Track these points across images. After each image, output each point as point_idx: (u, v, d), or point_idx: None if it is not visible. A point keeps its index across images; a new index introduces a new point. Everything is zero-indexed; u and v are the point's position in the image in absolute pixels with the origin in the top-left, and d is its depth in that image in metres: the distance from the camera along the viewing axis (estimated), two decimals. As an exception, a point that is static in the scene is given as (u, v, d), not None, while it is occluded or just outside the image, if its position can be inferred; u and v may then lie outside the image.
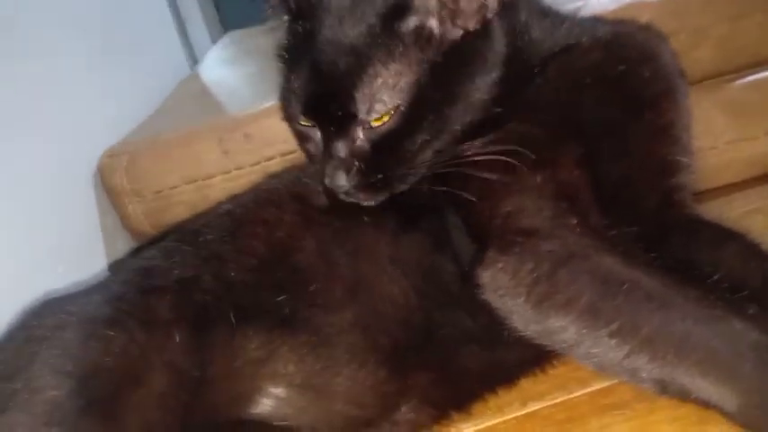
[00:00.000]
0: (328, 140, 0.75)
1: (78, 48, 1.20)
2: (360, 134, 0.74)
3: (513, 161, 0.71)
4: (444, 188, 0.74)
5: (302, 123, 0.78)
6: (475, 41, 0.75)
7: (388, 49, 0.72)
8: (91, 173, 1.13)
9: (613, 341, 0.63)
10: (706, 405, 0.61)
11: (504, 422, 0.74)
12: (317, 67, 0.74)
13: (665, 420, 0.66)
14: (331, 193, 0.76)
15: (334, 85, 0.73)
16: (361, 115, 0.72)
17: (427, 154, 0.75)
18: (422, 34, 0.73)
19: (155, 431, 0.65)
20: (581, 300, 0.65)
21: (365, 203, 0.76)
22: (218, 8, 2.15)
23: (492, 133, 0.74)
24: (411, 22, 0.73)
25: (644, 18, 0.90)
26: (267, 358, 0.71)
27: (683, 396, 0.62)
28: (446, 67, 0.74)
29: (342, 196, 0.75)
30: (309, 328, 0.72)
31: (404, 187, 0.76)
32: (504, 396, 0.76)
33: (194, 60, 1.82)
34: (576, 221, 0.71)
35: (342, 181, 0.73)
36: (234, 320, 0.70)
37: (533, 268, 0.68)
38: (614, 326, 0.63)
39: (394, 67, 0.72)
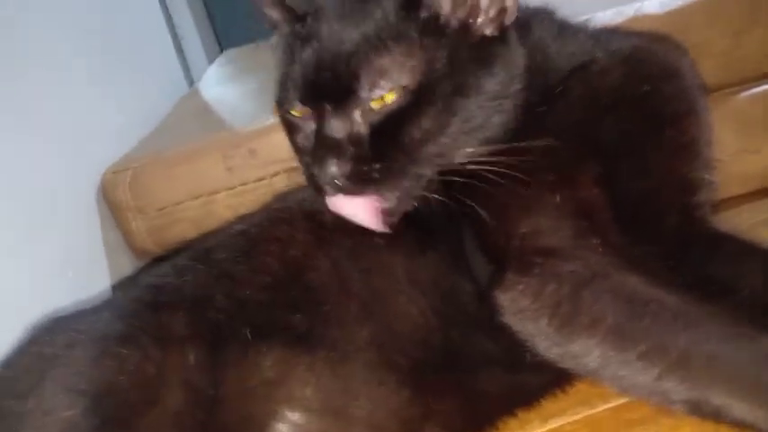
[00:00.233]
0: (323, 123, 0.70)
1: (77, 64, 1.20)
2: (358, 116, 0.69)
3: (531, 178, 0.70)
4: (459, 207, 0.72)
5: (294, 113, 0.75)
6: (493, 45, 0.74)
7: (401, 32, 0.70)
8: (94, 189, 1.11)
9: (642, 363, 0.62)
10: (740, 425, 0.59)
11: (525, 439, 0.72)
12: (321, 53, 0.71)
13: (690, 435, 0.65)
14: (317, 187, 0.71)
15: (337, 63, 0.70)
16: (362, 93, 0.69)
17: (431, 149, 0.70)
18: (437, 24, 0.72)
19: None
20: (606, 321, 0.64)
21: (358, 215, 0.71)
22: (214, 27, 2.15)
23: (507, 146, 0.72)
24: (424, 11, 0.71)
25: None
26: (282, 379, 0.68)
27: (717, 417, 0.60)
28: (461, 63, 0.71)
29: (328, 190, 0.69)
30: (326, 348, 0.70)
31: (402, 189, 0.70)
32: (523, 413, 0.74)
33: (191, 79, 1.82)
34: (597, 241, 0.69)
35: (332, 167, 0.67)
36: (248, 339, 0.68)
37: (555, 289, 0.66)
38: (642, 347, 0.62)
39: (406, 45, 0.69)
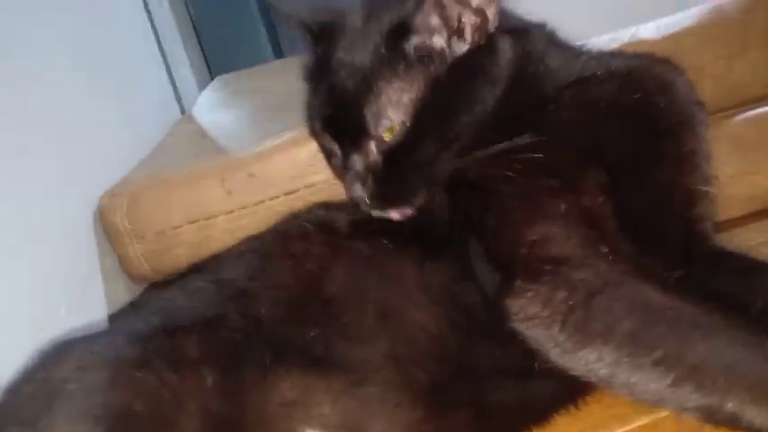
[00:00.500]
0: (346, 155, 0.79)
1: (71, 90, 1.19)
2: (373, 148, 0.77)
3: (535, 186, 0.71)
4: (465, 215, 0.74)
5: (324, 141, 0.83)
6: (479, 56, 0.78)
7: (393, 68, 0.76)
8: (90, 214, 1.10)
9: (657, 369, 0.62)
10: (755, 432, 0.59)
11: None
12: (332, 89, 0.78)
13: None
14: (356, 205, 0.79)
15: (347, 105, 0.77)
16: (372, 131, 0.76)
17: (438, 164, 0.77)
18: (425, 52, 0.76)
19: None
20: (621, 327, 0.64)
21: (390, 214, 0.78)
22: (204, 54, 2.16)
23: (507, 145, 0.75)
24: (414, 40, 0.76)
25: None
26: (301, 398, 0.68)
27: (732, 424, 0.60)
28: (451, 81, 0.76)
29: (363, 207, 0.78)
30: (343, 364, 0.69)
31: (422, 197, 0.78)
32: (538, 432, 0.73)
33: (181, 104, 1.82)
34: (606, 249, 0.70)
35: (359, 192, 0.77)
36: (265, 361, 0.68)
37: (567, 296, 0.66)
38: (658, 353, 0.62)
39: (398, 84, 0.75)
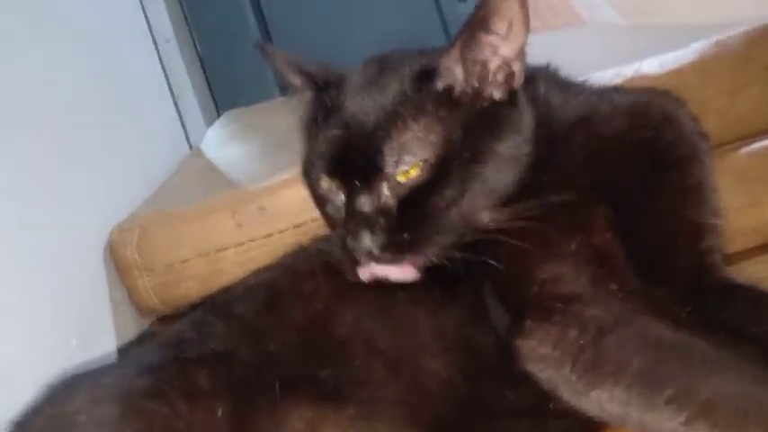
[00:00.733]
0: (352, 198, 0.73)
1: (81, 123, 1.21)
2: (385, 190, 0.73)
3: (545, 227, 0.71)
4: (476, 258, 0.73)
5: (324, 185, 0.78)
6: (503, 108, 0.77)
7: (418, 106, 0.74)
8: (100, 248, 1.11)
9: (670, 408, 0.61)
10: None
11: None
12: (345, 127, 0.75)
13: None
14: (352, 259, 0.73)
15: (362, 140, 0.73)
16: (388, 169, 0.72)
17: (455, 215, 0.73)
18: (450, 95, 0.75)
19: None
20: (632, 366, 0.64)
21: (393, 273, 0.73)
22: (211, 90, 2.18)
23: (522, 202, 0.74)
24: (439, 83, 0.75)
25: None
26: (310, 430, 0.67)
27: None
28: (475, 129, 0.74)
29: (364, 260, 0.72)
30: (353, 405, 0.69)
31: (432, 253, 0.73)
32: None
33: (188, 139, 1.84)
34: (615, 287, 0.70)
35: (366, 240, 0.70)
36: (275, 394, 0.67)
37: (577, 336, 0.66)
38: (670, 391, 0.61)
39: (424, 121, 0.73)
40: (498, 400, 0.72)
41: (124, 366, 0.71)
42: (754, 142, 1.13)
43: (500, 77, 0.77)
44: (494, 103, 0.77)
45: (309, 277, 0.78)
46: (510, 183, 0.75)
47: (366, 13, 2.08)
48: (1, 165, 0.94)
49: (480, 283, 0.75)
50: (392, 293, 0.74)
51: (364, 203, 0.73)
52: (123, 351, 1.01)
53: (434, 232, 0.73)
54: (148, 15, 1.82)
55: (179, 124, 1.83)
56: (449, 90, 0.75)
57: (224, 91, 2.21)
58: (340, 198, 0.76)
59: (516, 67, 0.77)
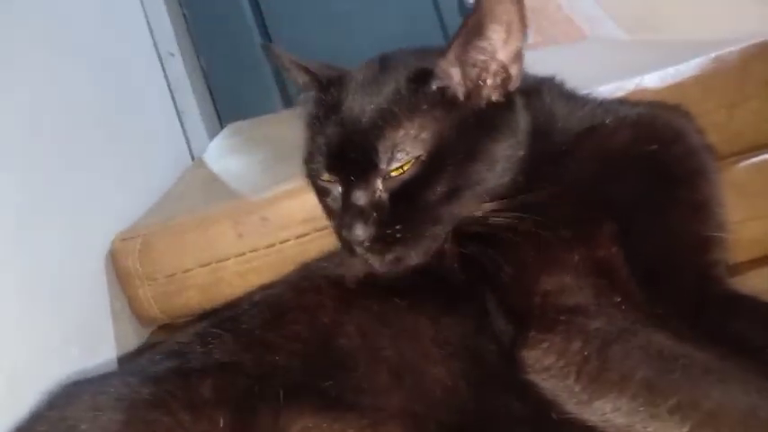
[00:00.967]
0: (348, 192, 0.76)
1: (89, 138, 1.22)
2: (379, 184, 0.75)
3: (549, 238, 0.71)
4: (479, 267, 0.73)
5: (324, 179, 0.80)
6: (498, 111, 0.78)
7: (413, 105, 0.75)
8: (102, 258, 1.11)
9: (674, 418, 0.62)
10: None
11: None
12: (343, 125, 0.77)
13: None
14: (348, 248, 0.76)
15: (358, 137, 0.76)
16: (382, 165, 0.74)
17: (446, 210, 0.75)
18: (445, 96, 0.76)
19: None
20: (636, 376, 0.64)
21: (378, 266, 0.75)
22: (214, 102, 2.20)
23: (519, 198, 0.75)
24: (434, 84, 0.76)
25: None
26: None
27: None
28: (469, 129, 0.76)
29: (358, 250, 0.75)
30: (357, 415, 0.69)
31: (422, 248, 0.75)
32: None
33: (191, 151, 1.85)
34: (619, 299, 0.70)
35: (359, 230, 0.73)
36: (279, 405, 0.67)
37: (581, 347, 0.67)
38: (674, 401, 0.62)
39: (418, 120, 0.75)
40: (502, 408, 0.72)
41: (127, 375, 0.70)
42: (754, 156, 1.14)
43: (497, 80, 0.78)
44: (490, 104, 0.78)
45: (314, 292, 0.79)
46: (502, 183, 0.77)
47: (365, 20, 2.10)
48: (5, 180, 0.95)
49: (483, 291, 0.75)
50: (395, 302, 0.75)
51: (359, 197, 0.75)
52: (124, 361, 1.01)
53: (425, 225, 0.75)
54: (153, 29, 1.84)
55: (182, 136, 1.84)
56: (444, 91, 0.77)
57: (227, 103, 2.22)
58: (338, 190, 0.79)
59: (513, 70, 0.78)
